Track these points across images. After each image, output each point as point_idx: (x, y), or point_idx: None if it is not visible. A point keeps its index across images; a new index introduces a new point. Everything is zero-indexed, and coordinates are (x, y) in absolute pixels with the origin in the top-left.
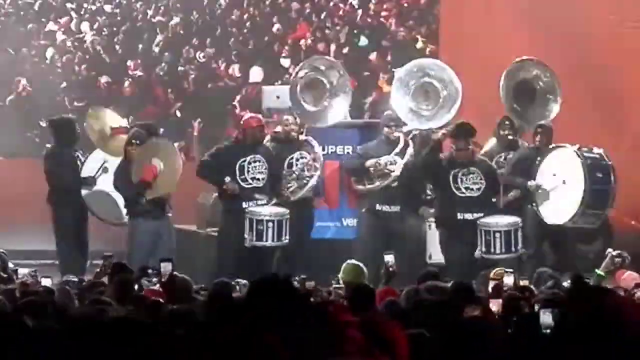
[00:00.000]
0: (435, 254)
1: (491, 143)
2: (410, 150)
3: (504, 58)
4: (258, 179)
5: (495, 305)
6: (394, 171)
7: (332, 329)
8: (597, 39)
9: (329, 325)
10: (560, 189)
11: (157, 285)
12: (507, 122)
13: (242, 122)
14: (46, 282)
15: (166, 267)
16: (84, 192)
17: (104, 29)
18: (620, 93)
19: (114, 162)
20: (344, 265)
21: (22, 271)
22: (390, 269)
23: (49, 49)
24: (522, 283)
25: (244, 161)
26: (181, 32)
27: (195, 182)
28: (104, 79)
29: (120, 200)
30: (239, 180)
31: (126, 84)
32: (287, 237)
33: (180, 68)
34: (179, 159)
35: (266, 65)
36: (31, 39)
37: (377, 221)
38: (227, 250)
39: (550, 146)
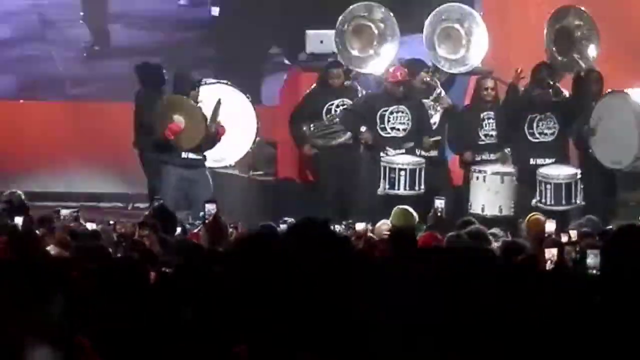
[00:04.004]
0: (475, 204)
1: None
2: (444, 94)
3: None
4: (398, 129)
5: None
6: (433, 117)
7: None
8: None
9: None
10: (617, 130)
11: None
12: (544, 68)
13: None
14: (90, 225)
15: (210, 209)
16: None
17: None
18: None
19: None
20: (394, 209)
21: (64, 212)
22: (439, 213)
23: None
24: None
25: (386, 111)
26: None
27: None
28: None
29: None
30: (379, 130)
31: None
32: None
33: None
34: (202, 116)
35: None
36: None
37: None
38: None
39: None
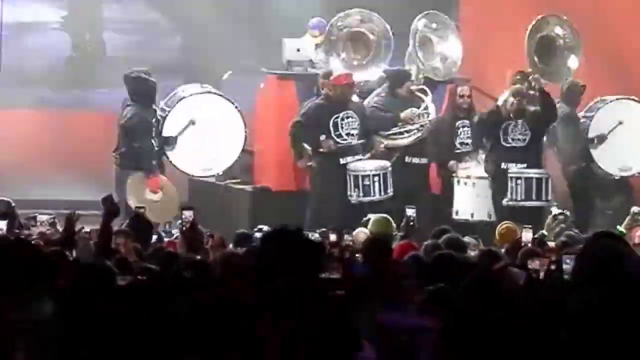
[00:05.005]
0: (462, 211)
1: (504, 97)
2: (432, 104)
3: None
4: (352, 135)
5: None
6: (426, 124)
7: None
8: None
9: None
10: (628, 136)
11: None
12: (517, 77)
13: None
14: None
15: (188, 216)
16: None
17: None
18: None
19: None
20: (372, 217)
21: (41, 218)
22: (411, 222)
23: None
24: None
25: (337, 117)
26: None
27: None
28: None
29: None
30: (334, 137)
31: None
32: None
33: None
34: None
35: None
36: None
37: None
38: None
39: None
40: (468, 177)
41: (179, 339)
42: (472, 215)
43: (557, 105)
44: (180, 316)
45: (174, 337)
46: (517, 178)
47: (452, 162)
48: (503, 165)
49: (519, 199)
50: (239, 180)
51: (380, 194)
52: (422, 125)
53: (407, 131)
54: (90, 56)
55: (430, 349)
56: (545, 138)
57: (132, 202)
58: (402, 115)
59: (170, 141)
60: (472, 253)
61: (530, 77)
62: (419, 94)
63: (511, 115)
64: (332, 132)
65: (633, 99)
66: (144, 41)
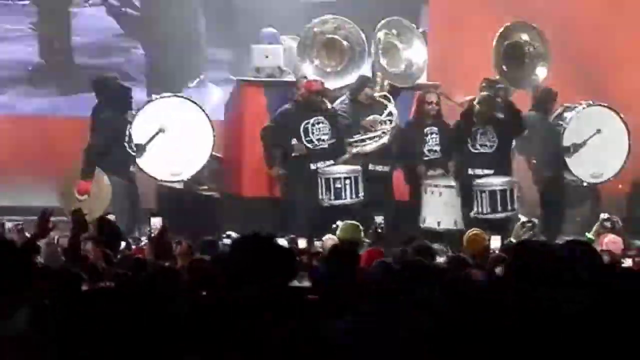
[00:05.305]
0: (430, 219)
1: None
2: (394, 111)
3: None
4: (323, 140)
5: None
6: (386, 133)
7: None
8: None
9: None
10: (602, 143)
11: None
12: (484, 84)
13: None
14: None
15: (156, 223)
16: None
17: None
18: (605, 61)
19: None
20: (341, 223)
21: (8, 225)
22: (379, 230)
23: None
24: None
25: (308, 123)
26: None
27: None
28: None
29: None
30: (305, 142)
31: None
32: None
33: None
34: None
35: None
36: None
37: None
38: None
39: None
40: (436, 185)
41: (178, 339)
42: (439, 223)
43: (528, 114)
44: (180, 316)
45: (174, 338)
46: (482, 191)
47: (420, 167)
48: (470, 171)
49: (484, 211)
50: (206, 187)
51: (351, 197)
52: (384, 132)
53: (369, 138)
54: (59, 63)
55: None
56: (515, 144)
57: (62, 202)
58: (362, 122)
59: (139, 149)
60: (440, 260)
61: (498, 87)
62: (381, 100)
63: (475, 121)
64: (303, 137)
65: (606, 106)
66: (112, 48)
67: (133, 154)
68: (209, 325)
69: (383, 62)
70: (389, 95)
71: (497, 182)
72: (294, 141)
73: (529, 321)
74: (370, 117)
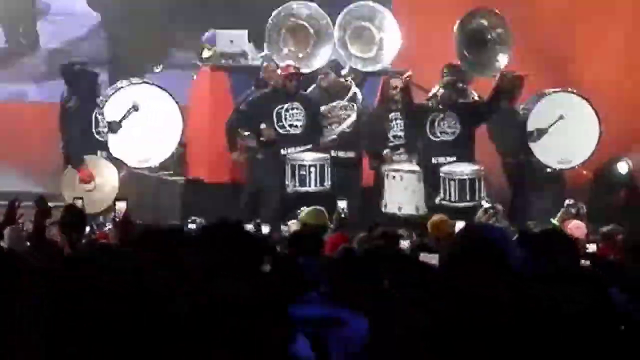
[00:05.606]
0: (390, 204)
1: (434, 90)
2: (359, 95)
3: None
4: (296, 126)
5: None
6: (350, 116)
7: None
8: None
9: None
10: (571, 129)
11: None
12: (446, 70)
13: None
14: None
15: (121, 207)
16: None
17: None
18: (572, 52)
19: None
20: (308, 209)
21: None
22: (342, 215)
23: None
24: None
25: (282, 108)
26: None
27: None
28: None
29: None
30: (277, 127)
31: None
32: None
33: None
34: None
35: None
36: None
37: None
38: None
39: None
40: (397, 170)
41: (178, 340)
42: (399, 208)
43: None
44: (180, 316)
45: (174, 338)
46: (451, 179)
47: (386, 151)
48: (434, 160)
49: (452, 200)
50: (171, 172)
51: (316, 185)
52: (345, 117)
53: (329, 124)
54: (24, 48)
55: (345, 341)
56: (480, 130)
57: (67, 195)
58: (322, 109)
59: (114, 126)
60: (404, 244)
61: (460, 72)
62: (345, 82)
63: (440, 107)
64: (275, 122)
65: (573, 92)
66: (77, 33)
67: (104, 138)
68: (201, 323)
69: (349, 46)
70: (350, 80)
71: (467, 170)
72: (263, 125)
73: (525, 318)
74: (328, 106)
